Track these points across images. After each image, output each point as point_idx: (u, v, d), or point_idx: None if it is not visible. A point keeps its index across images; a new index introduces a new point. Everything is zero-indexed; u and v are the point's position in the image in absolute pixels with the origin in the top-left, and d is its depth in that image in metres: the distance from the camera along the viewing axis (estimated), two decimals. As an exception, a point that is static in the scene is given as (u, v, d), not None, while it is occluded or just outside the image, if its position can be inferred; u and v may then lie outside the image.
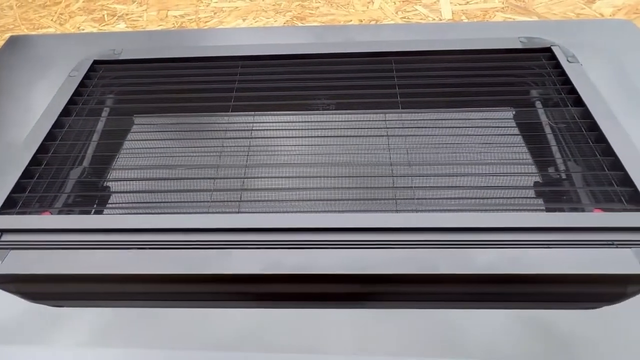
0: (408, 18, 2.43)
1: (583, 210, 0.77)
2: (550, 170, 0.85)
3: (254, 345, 0.64)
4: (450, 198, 0.81)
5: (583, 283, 0.69)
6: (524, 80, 1.00)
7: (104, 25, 2.53)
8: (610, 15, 2.45)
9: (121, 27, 2.50)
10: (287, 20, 2.45)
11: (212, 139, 0.93)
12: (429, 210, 0.79)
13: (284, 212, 0.79)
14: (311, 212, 0.79)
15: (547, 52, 1.03)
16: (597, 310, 0.67)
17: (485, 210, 0.79)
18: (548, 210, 0.81)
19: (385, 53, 1.05)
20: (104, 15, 2.60)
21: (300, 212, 0.79)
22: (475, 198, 0.81)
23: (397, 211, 0.79)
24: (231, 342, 0.64)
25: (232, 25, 2.45)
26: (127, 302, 0.71)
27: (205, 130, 0.96)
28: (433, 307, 0.68)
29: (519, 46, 1.04)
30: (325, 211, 0.80)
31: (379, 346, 0.64)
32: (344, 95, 0.99)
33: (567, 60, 0.99)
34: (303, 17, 2.47)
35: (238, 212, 0.79)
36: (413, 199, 0.80)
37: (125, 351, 0.64)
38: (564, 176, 0.84)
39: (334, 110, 1.00)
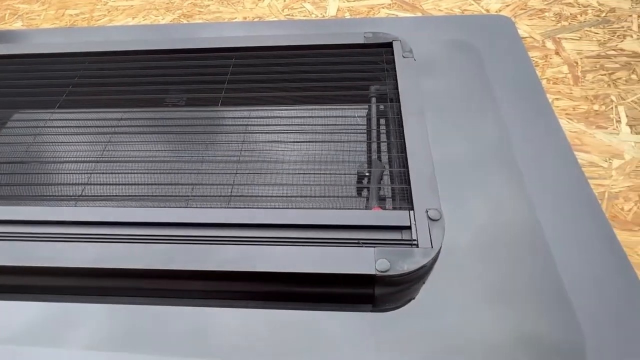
0: (292, 15, 2.45)
1: (367, 208, 0.76)
2: (359, 167, 0.84)
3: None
4: (221, 196, 0.80)
5: (321, 283, 0.65)
6: (363, 76, 0.99)
7: (2, 24, 2.60)
8: (497, 11, 2.43)
9: (17, 25, 2.57)
10: (174, 18, 2.49)
11: (52, 134, 0.94)
12: (199, 207, 0.77)
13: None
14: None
15: (389, 47, 1.01)
16: (349, 313, 0.64)
17: (256, 208, 0.76)
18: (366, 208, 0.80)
19: (227, 49, 1.05)
20: (5, 14, 2.68)
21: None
22: (284, 196, 0.79)
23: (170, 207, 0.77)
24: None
25: (121, 23, 2.50)
26: None
27: (41, 127, 0.96)
28: (173, 305, 0.66)
29: (362, 41, 1.02)
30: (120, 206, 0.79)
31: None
32: (191, 91, 1.00)
33: (402, 56, 0.97)
34: (190, 15, 2.51)
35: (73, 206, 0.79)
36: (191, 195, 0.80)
37: None
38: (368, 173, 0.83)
39: (184, 106, 1.00)
